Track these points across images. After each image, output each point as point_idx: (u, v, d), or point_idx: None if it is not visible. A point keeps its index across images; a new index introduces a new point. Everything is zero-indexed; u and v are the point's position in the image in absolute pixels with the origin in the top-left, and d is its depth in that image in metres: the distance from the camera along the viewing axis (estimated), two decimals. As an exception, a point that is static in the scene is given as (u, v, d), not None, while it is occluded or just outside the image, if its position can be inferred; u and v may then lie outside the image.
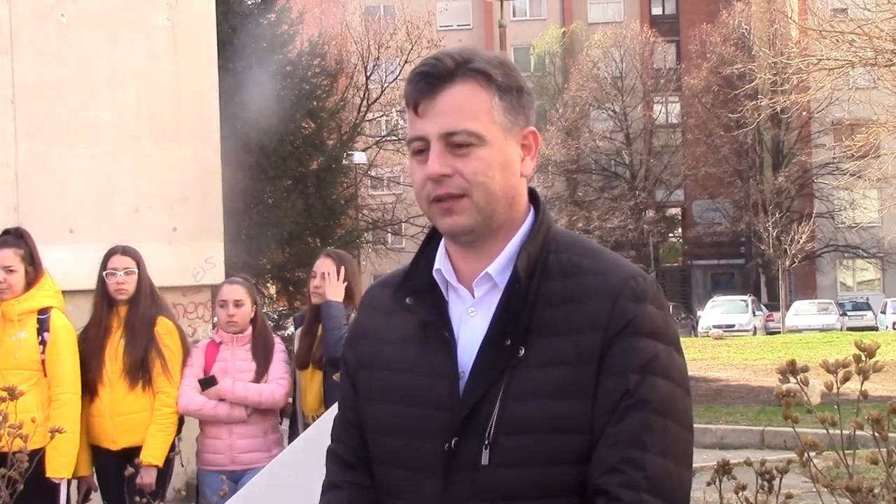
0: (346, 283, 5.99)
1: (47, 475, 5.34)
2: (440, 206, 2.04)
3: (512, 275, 2.04)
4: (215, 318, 6.62)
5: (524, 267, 2.03)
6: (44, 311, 5.66)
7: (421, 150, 2.05)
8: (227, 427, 5.95)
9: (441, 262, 2.12)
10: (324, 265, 6.06)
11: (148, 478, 5.69)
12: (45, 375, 5.61)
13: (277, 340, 6.15)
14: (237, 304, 5.99)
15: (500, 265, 2.06)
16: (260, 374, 5.95)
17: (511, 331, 2.01)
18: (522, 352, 1.99)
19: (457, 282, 2.11)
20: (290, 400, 6.15)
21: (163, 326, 5.90)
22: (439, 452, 2.02)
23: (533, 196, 2.14)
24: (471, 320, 2.07)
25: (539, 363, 1.98)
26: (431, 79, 2.04)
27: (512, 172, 2.06)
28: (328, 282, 5.94)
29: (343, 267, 6.04)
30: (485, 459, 1.98)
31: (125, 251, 5.93)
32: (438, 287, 2.12)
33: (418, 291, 2.13)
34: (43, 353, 5.61)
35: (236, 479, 5.76)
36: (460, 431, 2.00)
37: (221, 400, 5.90)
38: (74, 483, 5.90)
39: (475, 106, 2.03)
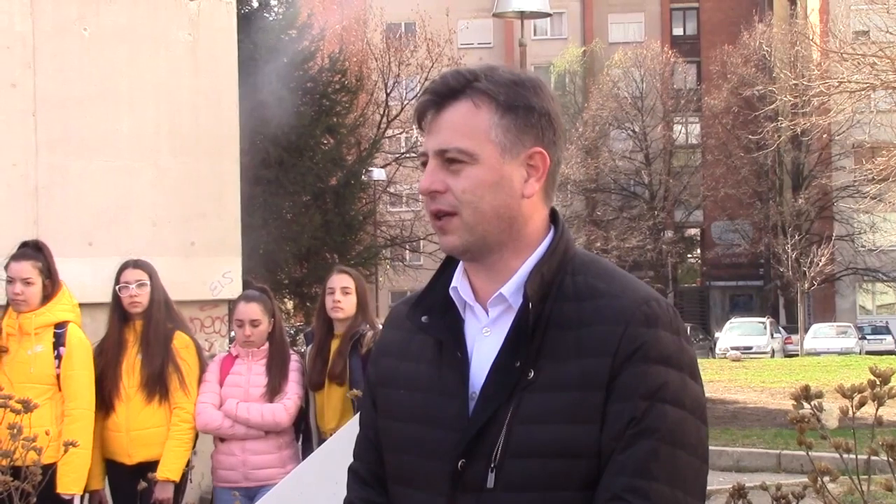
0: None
1: (58, 491, 5.32)
2: (436, 223, 2.06)
3: (523, 296, 2.03)
4: (233, 332, 6.61)
5: (535, 289, 2.01)
6: (60, 326, 5.66)
7: (426, 164, 2.08)
8: (241, 443, 5.91)
9: (458, 281, 2.12)
10: (341, 280, 6.04)
11: (165, 493, 5.68)
12: (60, 390, 5.61)
13: (294, 357, 6.11)
14: (254, 323, 5.96)
15: (513, 286, 2.05)
16: (272, 391, 5.91)
17: (521, 353, 1.99)
18: (532, 374, 1.98)
19: (474, 301, 2.10)
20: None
21: (180, 341, 5.90)
22: (446, 473, 2.01)
23: (554, 216, 2.13)
24: (485, 340, 2.06)
25: (548, 387, 1.96)
26: (437, 97, 2.06)
27: (507, 193, 2.04)
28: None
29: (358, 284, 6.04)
30: (490, 482, 1.97)
31: (137, 264, 5.93)
32: (455, 306, 2.11)
33: (434, 310, 2.12)
34: (58, 367, 5.60)
35: (251, 495, 5.74)
36: (467, 453, 1.99)
37: None
38: (87, 497, 5.90)
39: (471, 124, 2.03)
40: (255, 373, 5.97)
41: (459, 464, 1.99)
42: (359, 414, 3.33)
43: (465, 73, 2.07)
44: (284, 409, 5.88)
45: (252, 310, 5.97)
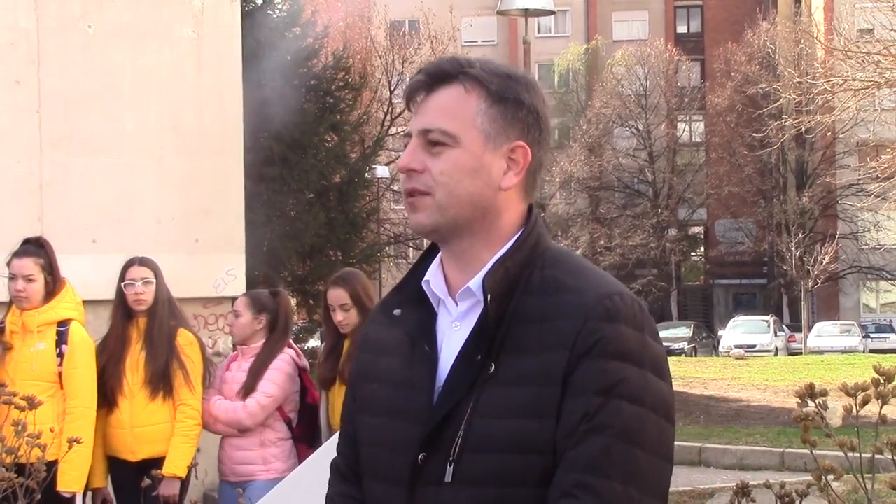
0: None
1: (58, 489, 5.30)
2: (409, 200, 2.06)
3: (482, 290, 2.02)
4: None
5: (496, 282, 2.00)
6: (63, 323, 5.66)
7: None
8: (227, 439, 6.04)
9: (432, 274, 2.12)
10: (338, 298, 5.88)
11: (171, 489, 5.70)
12: (62, 388, 5.61)
13: (285, 355, 6.07)
14: (235, 314, 6.11)
15: (479, 280, 2.04)
16: (246, 389, 5.93)
17: (482, 347, 1.99)
18: (493, 368, 1.97)
19: (446, 294, 2.10)
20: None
21: (184, 338, 5.91)
22: (408, 466, 2.01)
23: (529, 211, 2.12)
24: (454, 334, 2.06)
25: (508, 381, 1.95)
26: (429, 79, 2.07)
27: (485, 181, 2.04)
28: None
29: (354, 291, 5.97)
30: (448, 476, 1.96)
31: (142, 262, 5.94)
32: (428, 299, 2.11)
33: (409, 303, 2.12)
34: (60, 365, 5.60)
35: (242, 488, 5.82)
36: (428, 446, 1.99)
37: None
38: (89, 495, 5.91)
39: (458, 108, 2.04)
40: (241, 370, 6.02)
41: (420, 457, 2.00)
42: (341, 415, 3.35)
43: (461, 60, 2.08)
44: (244, 408, 5.89)
45: (238, 301, 6.06)
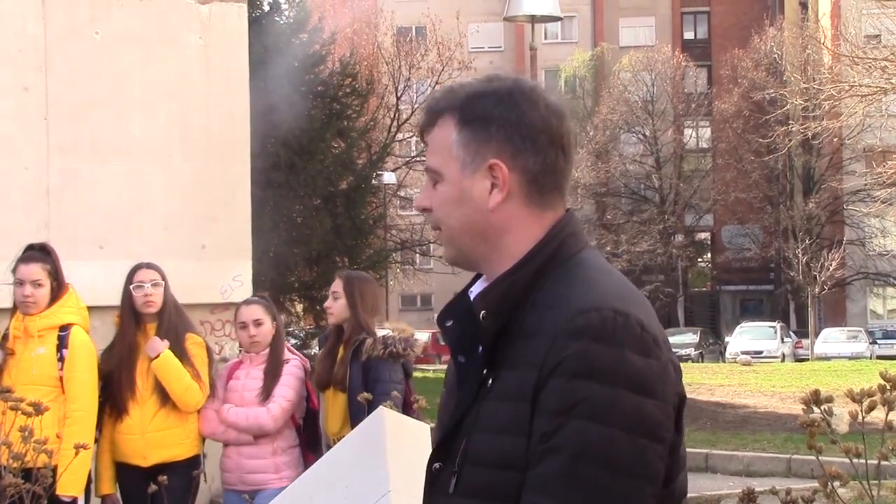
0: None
1: (57, 493, 5.27)
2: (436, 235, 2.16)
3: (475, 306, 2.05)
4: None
5: (490, 298, 2.01)
6: (65, 328, 5.67)
7: None
8: (237, 448, 5.99)
9: (477, 287, 2.12)
10: (333, 285, 6.14)
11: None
12: (64, 392, 5.62)
13: (294, 360, 6.11)
14: (256, 323, 6.01)
15: (473, 298, 2.09)
16: (265, 394, 5.93)
17: (486, 360, 2.01)
18: (490, 382, 1.99)
19: None
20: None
21: (191, 340, 5.95)
22: (428, 473, 2.07)
23: (559, 222, 2.09)
24: None
25: (497, 396, 1.96)
26: (428, 115, 2.10)
27: (471, 207, 2.04)
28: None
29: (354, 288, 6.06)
30: (451, 487, 1.99)
31: (150, 266, 5.97)
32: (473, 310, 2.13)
33: (459, 315, 2.13)
34: (61, 369, 5.61)
35: (251, 497, 5.81)
36: (442, 455, 2.04)
37: None
38: (99, 502, 5.91)
39: (441, 142, 2.06)
40: (251, 377, 6.01)
41: (435, 465, 2.05)
42: (366, 420, 3.35)
43: (447, 91, 2.10)
44: (267, 412, 5.89)
45: (253, 310, 6.04)
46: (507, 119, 2.02)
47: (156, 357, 5.77)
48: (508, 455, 1.92)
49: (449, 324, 2.13)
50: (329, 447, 5.78)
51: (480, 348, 2.03)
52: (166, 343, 5.79)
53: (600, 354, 1.87)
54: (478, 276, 2.16)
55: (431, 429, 2.21)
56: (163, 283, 5.92)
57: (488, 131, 2.03)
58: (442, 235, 2.10)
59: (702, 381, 22.49)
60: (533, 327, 1.96)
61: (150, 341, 5.80)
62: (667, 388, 1.94)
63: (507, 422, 1.93)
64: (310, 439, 6.15)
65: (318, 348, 6.70)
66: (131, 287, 5.87)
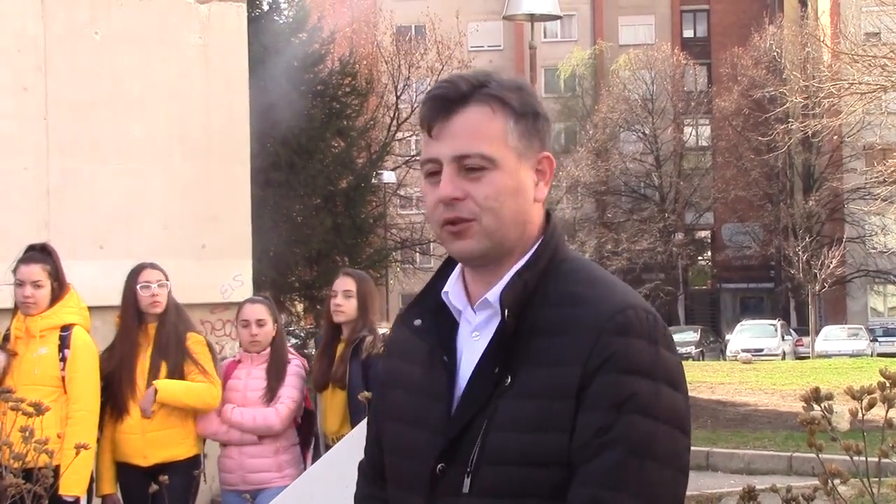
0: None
1: (60, 493, 5.27)
2: (450, 229, 2.03)
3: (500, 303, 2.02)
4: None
5: (513, 295, 2.00)
6: (66, 328, 5.67)
7: (434, 172, 2.04)
8: (238, 448, 5.97)
9: (451, 285, 2.12)
10: (343, 283, 6.07)
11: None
12: (66, 392, 5.62)
13: (295, 360, 6.12)
14: (259, 323, 6.00)
15: (499, 290, 2.04)
16: (270, 394, 5.93)
17: (500, 359, 2.00)
18: (509, 381, 1.98)
19: (465, 305, 2.10)
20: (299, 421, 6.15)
21: (193, 339, 5.95)
22: (426, 475, 2.03)
23: (547, 220, 2.12)
24: (474, 344, 2.06)
25: (522, 394, 1.96)
26: (446, 101, 2.03)
27: (524, 198, 2.04)
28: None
29: (360, 287, 6.06)
30: (465, 487, 1.98)
31: (154, 266, 5.98)
32: (448, 309, 2.12)
33: (429, 313, 2.13)
34: (63, 369, 5.61)
35: (252, 497, 5.80)
36: (446, 456, 2.01)
37: None
38: (99, 502, 5.91)
39: (489, 129, 2.02)
40: (253, 377, 6.00)
41: (438, 467, 2.02)
42: (367, 418, 3.35)
43: (473, 79, 2.06)
44: (276, 412, 5.89)
45: (257, 310, 6.03)
46: (546, 116, 2.09)
47: (154, 402, 5.76)
48: (543, 452, 1.93)
49: (418, 322, 2.13)
50: (328, 447, 5.78)
51: (486, 347, 2.02)
52: (151, 389, 5.77)
53: (643, 350, 1.94)
54: (442, 273, 2.16)
55: (399, 429, 2.16)
56: (168, 283, 5.93)
57: (537, 125, 2.07)
58: (478, 226, 2.01)
59: (702, 380, 22.47)
60: (554, 325, 1.97)
61: (140, 403, 5.76)
62: (685, 384, 2.02)
63: (538, 419, 1.94)
64: (305, 438, 6.16)
65: (314, 348, 6.66)
66: (138, 287, 5.86)
